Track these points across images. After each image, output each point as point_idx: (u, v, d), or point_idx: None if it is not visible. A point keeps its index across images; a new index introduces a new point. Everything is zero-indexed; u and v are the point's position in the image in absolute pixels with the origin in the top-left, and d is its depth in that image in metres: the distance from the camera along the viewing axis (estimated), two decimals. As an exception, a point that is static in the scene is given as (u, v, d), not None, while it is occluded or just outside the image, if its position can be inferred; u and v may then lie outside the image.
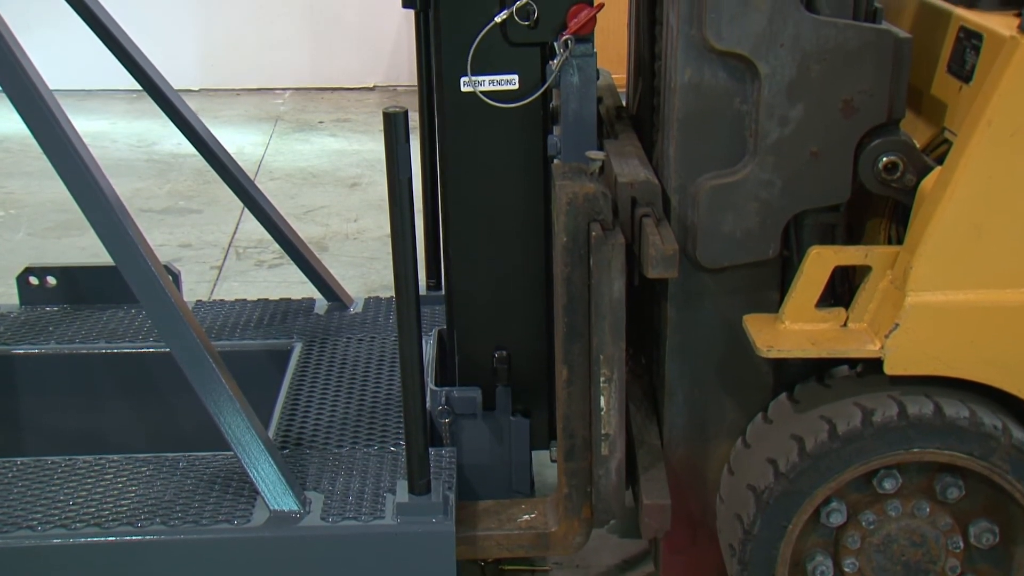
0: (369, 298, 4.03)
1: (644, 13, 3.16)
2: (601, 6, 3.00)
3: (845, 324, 2.76)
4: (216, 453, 3.03)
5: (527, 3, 2.97)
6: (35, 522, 2.77)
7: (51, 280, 3.90)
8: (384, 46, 8.98)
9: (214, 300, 4.07)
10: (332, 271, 4.06)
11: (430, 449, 2.92)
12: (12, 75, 2.70)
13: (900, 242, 2.79)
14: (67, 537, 2.74)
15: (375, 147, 7.51)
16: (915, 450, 2.70)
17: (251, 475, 2.83)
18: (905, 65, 2.70)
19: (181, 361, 2.83)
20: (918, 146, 2.80)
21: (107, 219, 2.77)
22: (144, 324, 3.73)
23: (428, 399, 3.12)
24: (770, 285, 2.90)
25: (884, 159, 2.74)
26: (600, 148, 3.02)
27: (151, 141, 7.64)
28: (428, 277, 3.96)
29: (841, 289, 2.87)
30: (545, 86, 3.05)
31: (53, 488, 2.91)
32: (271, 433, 3.16)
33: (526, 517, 3.09)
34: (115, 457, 3.04)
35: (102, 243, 2.79)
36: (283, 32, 8.97)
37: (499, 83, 3.06)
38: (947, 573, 2.83)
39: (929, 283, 2.63)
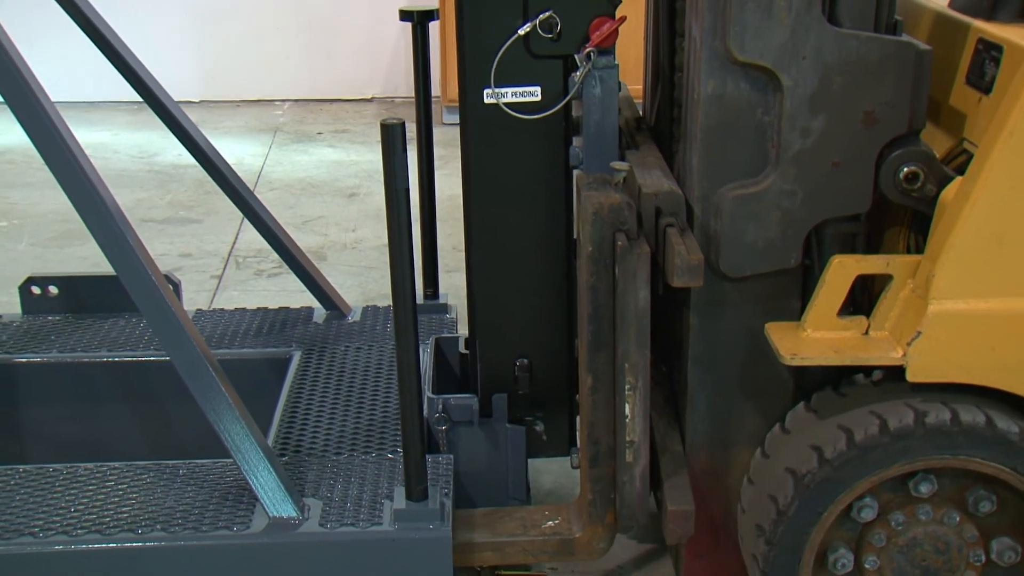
0: (367, 307, 4.02)
1: (664, 25, 3.18)
2: (623, 19, 3.01)
3: (867, 332, 2.77)
4: (216, 461, 3.02)
5: (550, 16, 2.98)
6: (37, 529, 2.76)
7: (53, 289, 3.89)
8: (382, 58, 8.99)
9: (214, 309, 4.06)
10: (330, 280, 4.05)
11: (427, 456, 2.90)
12: (15, 87, 2.70)
13: (919, 251, 2.81)
14: (68, 544, 2.73)
15: (373, 158, 7.50)
16: (962, 457, 2.71)
17: (250, 482, 2.83)
18: (925, 77, 2.72)
19: (181, 370, 2.82)
20: (938, 156, 2.80)
21: (108, 229, 2.77)
22: (145, 333, 3.72)
23: (425, 407, 3.11)
24: (791, 294, 2.91)
25: (905, 169, 2.75)
26: (622, 159, 3.03)
27: (152, 152, 7.64)
28: (425, 286, 3.95)
29: (861, 298, 2.87)
30: (568, 98, 3.06)
31: (55, 495, 2.90)
32: (270, 440, 3.15)
33: (550, 523, 3.09)
34: (116, 464, 3.03)
35: (103, 253, 2.79)
36: (282, 45, 8.97)
37: (522, 95, 3.07)
38: None
39: (951, 291, 2.64)
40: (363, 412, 3.33)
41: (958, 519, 2.80)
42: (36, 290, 3.90)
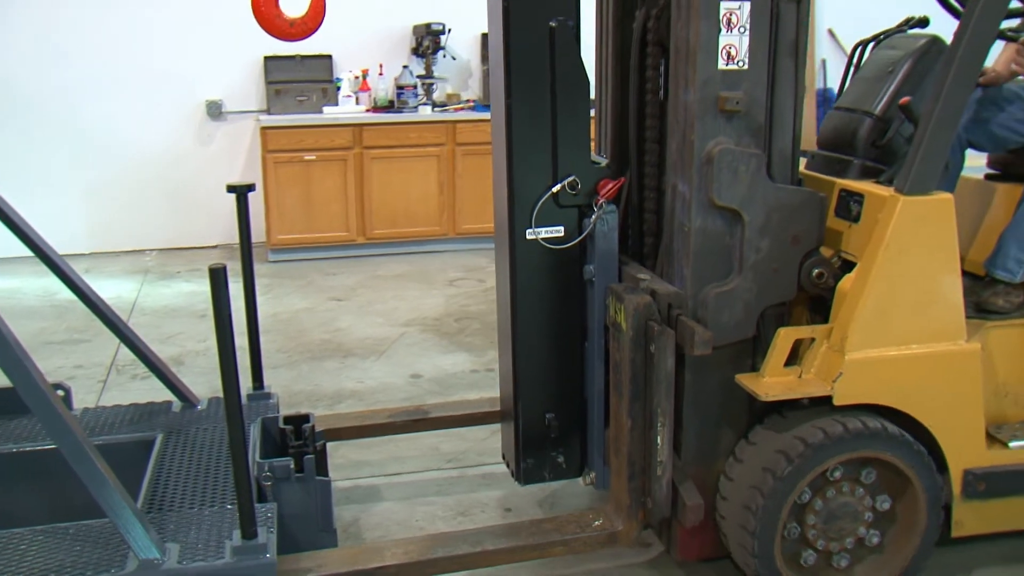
0: (212, 398, 3.88)
1: (636, 182, 3.38)
2: (623, 180, 3.24)
3: (800, 376, 3.03)
4: (98, 520, 2.87)
5: (573, 179, 3.16)
6: (-45, 584, 2.58)
7: (-30, 400, 3.66)
8: (223, 216, 8.79)
9: (98, 406, 3.86)
10: (186, 380, 3.92)
11: (256, 505, 2.83)
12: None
13: (813, 323, 3.21)
14: (-19, 594, 2.56)
15: (219, 288, 7.30)
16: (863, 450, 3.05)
17: (124, 535, 2.70)
18: (824, 213, 3.08)
19: (67, 454, 2.67)
20: None
21: (7, 354, 2.63)
22: (41, 429, 3.52)
23: (254, 468, 3.04)
24: (747, 355, 3.14)
25: (815, 270, 3.09)
26: (620, 273, 3.23)
27: (53, 292, 7.27)
28: (253, 380, 3.84)
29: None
30: (584, 234, 3.24)
31: (-30, 557, 2.71)
32: (139, 502, 3.02)
33: (598, 523, 3.15)
34: (19, 530, 2.86)
35: (3, 372, 2.65)
36: (150, 208, 8.73)
37: (551, 232, 3.24)
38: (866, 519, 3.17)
39: (858, 346, 2.99)
40: (209, 476, 3.21)
41: (856, 488, 3.13)
42: (-43, 401, 3.66)
